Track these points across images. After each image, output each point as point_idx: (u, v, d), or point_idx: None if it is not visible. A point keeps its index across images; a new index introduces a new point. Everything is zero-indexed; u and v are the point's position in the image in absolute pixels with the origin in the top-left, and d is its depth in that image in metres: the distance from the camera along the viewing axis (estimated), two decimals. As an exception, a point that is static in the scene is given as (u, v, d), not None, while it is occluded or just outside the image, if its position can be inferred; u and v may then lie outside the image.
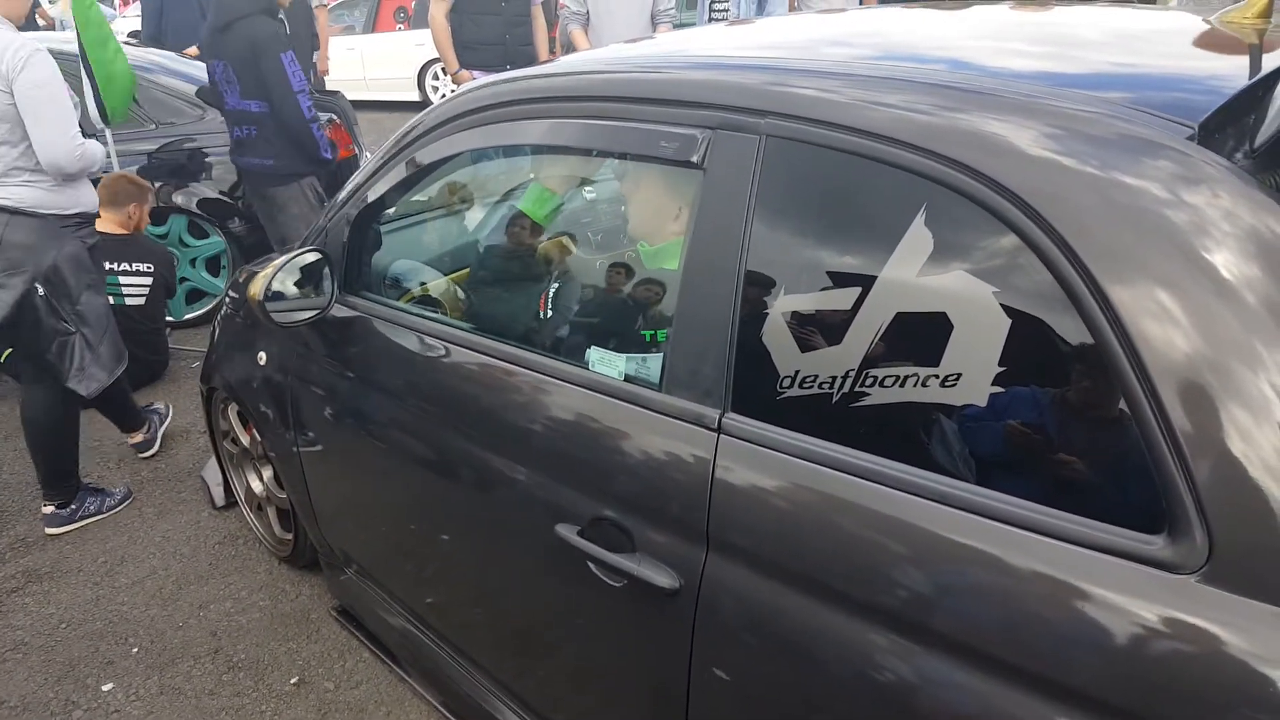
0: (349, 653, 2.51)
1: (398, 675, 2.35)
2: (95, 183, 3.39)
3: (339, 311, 2.07)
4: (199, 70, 5.46)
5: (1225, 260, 0.91)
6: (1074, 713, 0.95)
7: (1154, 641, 0.90)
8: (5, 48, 2.79)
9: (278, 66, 3.79)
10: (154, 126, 4.89)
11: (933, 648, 1.06)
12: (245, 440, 2.85)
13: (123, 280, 4.02)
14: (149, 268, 4.10)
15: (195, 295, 5.00)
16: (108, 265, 3.96)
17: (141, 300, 4.09)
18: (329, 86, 7.11)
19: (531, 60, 4.91)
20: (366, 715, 2.29)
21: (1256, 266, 0.90)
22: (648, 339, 1.52)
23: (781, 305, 1.23)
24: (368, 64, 12.13)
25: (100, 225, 3.98)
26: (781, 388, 1.23)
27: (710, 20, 5.62)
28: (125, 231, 4.11)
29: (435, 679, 2.14)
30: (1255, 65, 1.20)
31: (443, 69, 11.11)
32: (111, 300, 3.94)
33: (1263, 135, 0.93)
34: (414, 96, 11.99)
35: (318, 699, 2.36)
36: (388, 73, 12.15)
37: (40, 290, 2.91)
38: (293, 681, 2.42)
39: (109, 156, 4.26)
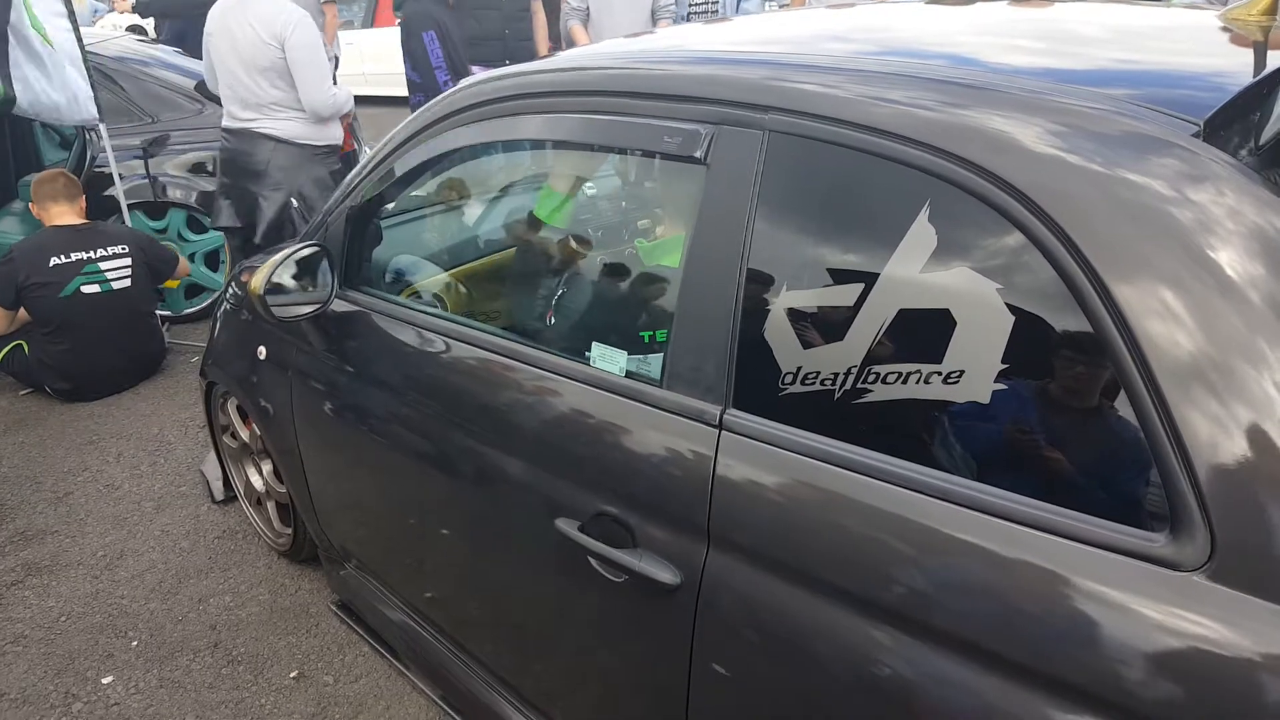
0: (348, 647, 2.51)
1: (397, 669, 2.35)
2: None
3: (339, 306, 2.06)
4: (197, 65, 5.46)
5: (1230, 259, 0.91)
6: (1074, 709, 0.95)
7: (1155, 638, 0.90)
8: (279, 13, 3.72)
9: (419, 44, 4.56)
10: (151, 120, 4.88)
11: (934, 644, 1.06)
12: (244, 435, 2.85)
13: (103, 265, 4.02)
14: (124, 249, 4.10)
15: (194, 290, 4.99)
16: (84, 254, 3.98)
17: (127, 282, 4.09)
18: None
19: (531, 55, 4.91)
20: (366, 709, 2.29)
21: (1261, 265, 0.90)
22: (646, 340, 1.51)
23: (784, 301, 1.23)
24: (366, 59, 12.08)
25: (59, 220, 4.01)
26: (783, 384, 1.23)
27: (689, 17, 5.53)
28: (85, 221, 4.13)
29: (435, 673, 2.14)
30: (1260, 62, 1.20)
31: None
32: (98, 289, 3.96)
33: (1268, 132, 0.92)
34: (413, 91, 11.96)
35: (317, 693, 2.36)
36: (386, 68, 12.06)
37: (294, 204, 3.81)
38: (292, 675, 2.42)
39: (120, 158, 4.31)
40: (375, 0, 12.52)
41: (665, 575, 1.31)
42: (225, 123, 3.99)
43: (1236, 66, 1.22)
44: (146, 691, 2.39)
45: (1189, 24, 1.48)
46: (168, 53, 5.59)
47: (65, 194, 4.05)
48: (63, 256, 3.94)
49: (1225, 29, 1.39)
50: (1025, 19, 1.59)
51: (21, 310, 3.99)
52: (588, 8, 4.98)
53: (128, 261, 4.09)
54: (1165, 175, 0.96)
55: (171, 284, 4.62)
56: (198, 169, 4.87)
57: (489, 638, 1.92)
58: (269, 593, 2.76)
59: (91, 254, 4.00)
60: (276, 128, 3.88)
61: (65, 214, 4.05)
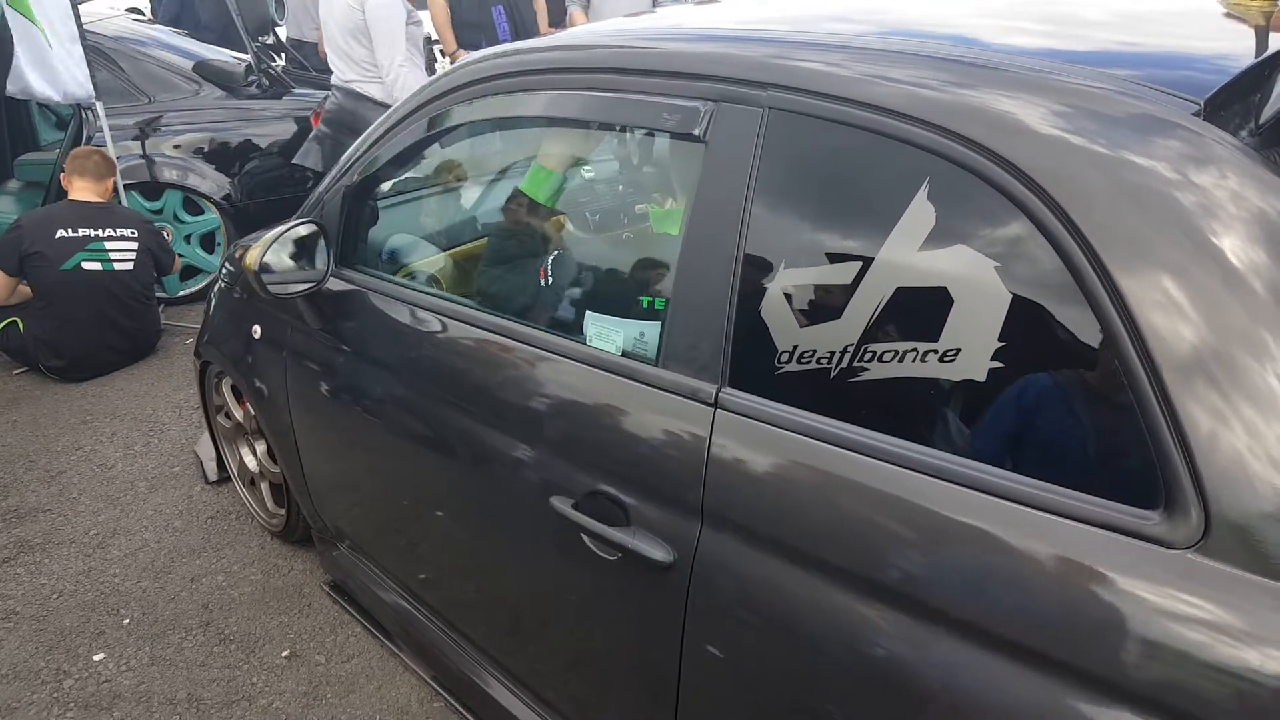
0: (341, 627, 2.51)
1: (389, 650, 2.35)
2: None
3: (334, 285, 2.06)
4: (197, 46, 5.44)
5: (1229, 242, 0.91)
6: (1067, 686, 0.95)
7: (1148, 615, 0.90)
8: None
9: (489, 18, 5.02)
10: (148, 100, 4.86)
11: (926, 622, 1.06)
12: (239, 415, 2.84)
13: (108, 245, 4.03)
14: (133, 233, 4.11)
15: (190, 272, 4.97)
16: (92, 231, 3.98)
17: (130, 265, 4.09)
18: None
19: (531, 40, 4.92)
20: (357, 689, 2.29)
21: (1260, 248, 0.90)
22: (645, 305, 1.51)
23: (781, 280, 1.22)
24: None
25: (79, 195, 4.03)
26: (780, 363, 1.23)
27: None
28: (104, 200, 4.15)
29: (427, 653, 2.14)
30: (1261, 44, 1.20)
31: (440, 49, 11.05)
32: (99, 266, 3.96)
33: (1268, 112, 0.92)
34: (412, 77, 11.92)
35: (309, 672, 2.36)
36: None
37: None
38: (284, 655, 2.42)
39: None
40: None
41: (658, 553, 1.31)
42: (333, 79, 4.57)
43: (1237, 49, 1.21)
44: (138, 669, 2.39)
45: (1190, 8, 1.47)
46: (165, 33, 5.57)
47: (94, 172, 4.09)
48: (69, 230, 3.95)
49: (1226, 13, 1.39)
50: (1026, 1, 1.59)
51: (24, 286, 3.99)
52: (588, -7, 4.98)
53: (134, 245, 4.09)
54: (1167, 156, 0.95)
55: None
56: (195, 150, 4.85)
57: (481, 617, 1.92)
58: (261, 573, 2.76)
59: (99, 232, 4.01)
60: (368, 89, 4.42)
61: (86, 191, 4.08)
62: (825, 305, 1.19)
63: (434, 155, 2.15)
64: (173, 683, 2.33)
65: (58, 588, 2.72)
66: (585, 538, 1.42)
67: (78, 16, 4.23)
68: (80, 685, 2.34)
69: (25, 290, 4.01)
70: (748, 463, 1.24)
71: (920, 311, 1.10)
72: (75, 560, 2.85)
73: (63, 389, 4.02)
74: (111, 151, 4.38)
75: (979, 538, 1.02)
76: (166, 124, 4.82)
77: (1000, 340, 1.04)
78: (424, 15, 4.92)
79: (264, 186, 5.01)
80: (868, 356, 1.14)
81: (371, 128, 2.03)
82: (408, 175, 2.21)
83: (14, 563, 2.84)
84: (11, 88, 4.22)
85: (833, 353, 1.18)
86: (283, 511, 2.79)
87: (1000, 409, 1.08)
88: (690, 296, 1.32)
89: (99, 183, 4.10)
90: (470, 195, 2.45)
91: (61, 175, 4.16)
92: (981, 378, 1.05)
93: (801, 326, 1.21)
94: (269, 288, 1.98)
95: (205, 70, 5.04)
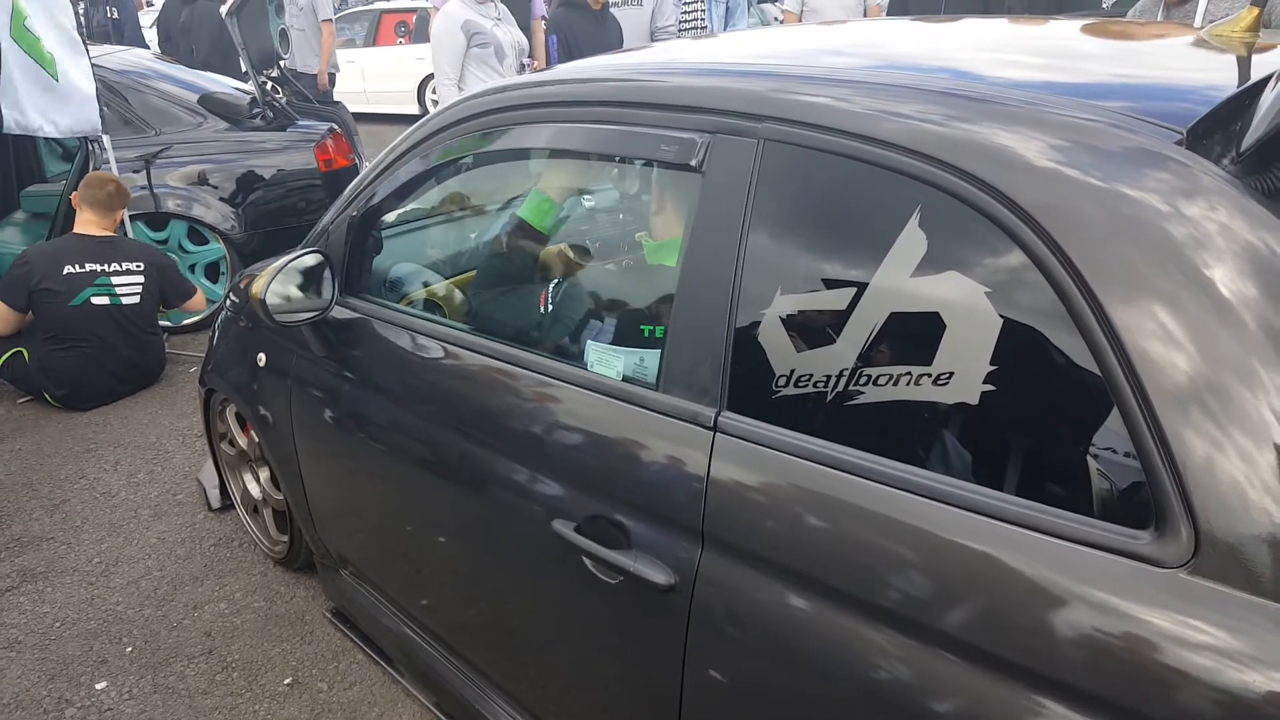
0: (343, 654, 2.51)
1: (391, 676, 2.35)
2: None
3: (339, 313, 2.08)
4: (201, 79, 5.51)
5: (1216, 271, 0.93)
6: (1063, 706, 0.96)
7: (1140, 634, 0.92)
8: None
9: (549, 46, 5.35)
10: (153, 132, 4.91)
11: (924, 643, 1.07)
12: (242, 442, 2.86)
13: (115, 280, 4.05)
14: (138, 265, 4.13)
15: (193, 301, 5.01)
16: (99, 266, 4.01)
17: (136, 299, 4.11)
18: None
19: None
20: (359, 716, 2.29)
21: (1246, 277, 0.92)
22: (646, 334, 1.54)
23: (777, 306, 1.25)
24: (368, 77, 12.18)
25: (84, 228, 4.05)
26: (777, 387, 1.25)
27: (681, 33, 5.70)
28: (110, 234, 4.17)
29: (429, 680, 2.14)
30: (1244, 74, 1.23)
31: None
32: (107, 301, 3.98)
33: (1248, 139, 0.95)
34: (414, 110, 12.03)
35: (311, 700, 2.36)
36: (388, 86, 12.21)
37: None
38: (286, 682, 2.42)
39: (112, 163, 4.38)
40: (378, 19, 12.63)
41: (659, 576, 1.32)
42: None
43: (1221, 80, 1.24)
44: (140, 697, 2.39)
45: (1175, 41, 1.51)
46: (169, 65, 5.64)
47: (105, 204, 4.10)
48: (77, 266, 3.97)
49: (1211, 45, 1.42)
50: (1014, 36, 1.62)
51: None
52: (588, 27, 5.05)
53: (140, 279, 4.12)
54: (1157, 188, 0.98)
55: (185, 308, 4.52)
56: (199, 181, 4.90)
57: (483, 643, 1.93)
58: (264, 600, 2.76)
59: (105, 267, 4.03)
60: None
61: (92, 224, 4.10)
62: (821, 330, 1.21)
63: (436, 186, 2.19)
64: (175, 711, 2.33)
65: (60, 616, 2.72)
66: (587, 561, 1.43)
67: (87, 51, 4.30)
68: (82, 714, 2.34)
69: (27, 318, 4.03)
70: (747, 485, 1.26)
71: (914, 336, 1.12)
72: (78, 588, 2.85)
73: (66, 417, 4.04)
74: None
75: (974, 558, 1.04)
76: (171, 156, 4.87)
77: (992, 364, 1.06)
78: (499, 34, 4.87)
79: (268, 217, 5.05)
80: (863, 380, 1.17)
81: (376, 160, 2.06)
82: (411, 206, 2.24)
83: (17, 591, 2.85)
84: (7, 116, 4.21)
85: (829, 376, 1.20)
86: (285, 538, 2.80)
87: (993, 431, 1.10)
88: (689, 322, 1.35)
89: (107, 216, 4.12)
90: (472, 225, 2.48)
91: (74, 194, 4.16)
92: (974, 400, 1.07)
93: (798, 351, 1.23)
94: (275, 316, 2.00)
95: (210, 103, 5.10)
